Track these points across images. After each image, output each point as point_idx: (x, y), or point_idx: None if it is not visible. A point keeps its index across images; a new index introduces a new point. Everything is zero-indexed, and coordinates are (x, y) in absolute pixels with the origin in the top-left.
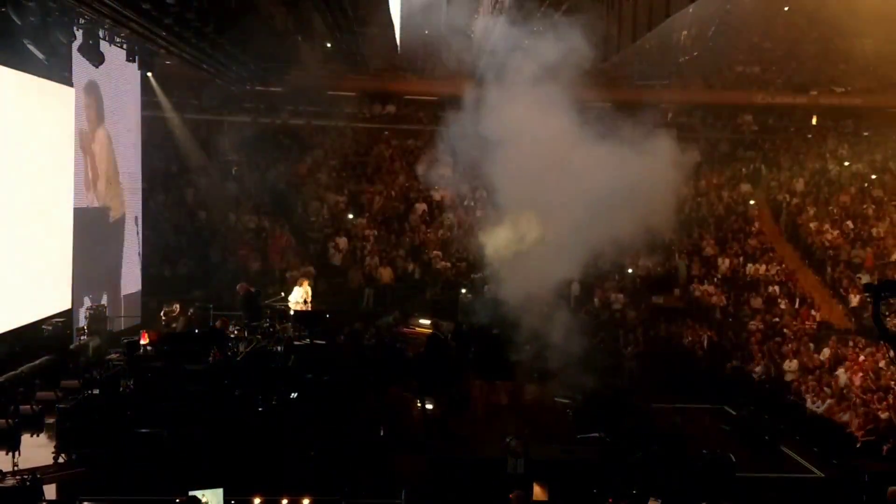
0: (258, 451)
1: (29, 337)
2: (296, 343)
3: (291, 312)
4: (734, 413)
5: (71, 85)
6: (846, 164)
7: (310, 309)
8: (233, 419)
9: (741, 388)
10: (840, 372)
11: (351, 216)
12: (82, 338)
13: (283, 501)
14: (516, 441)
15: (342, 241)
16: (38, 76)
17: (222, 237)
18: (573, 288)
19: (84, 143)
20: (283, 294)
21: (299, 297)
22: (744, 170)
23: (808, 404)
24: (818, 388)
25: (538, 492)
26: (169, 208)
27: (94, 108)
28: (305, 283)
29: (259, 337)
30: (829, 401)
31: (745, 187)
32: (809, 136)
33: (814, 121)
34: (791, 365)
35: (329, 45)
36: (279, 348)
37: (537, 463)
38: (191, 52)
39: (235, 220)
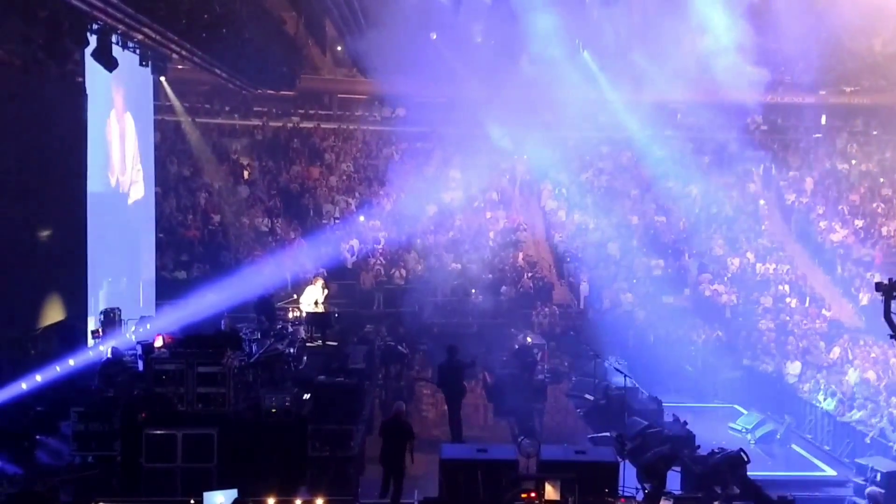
0: (272, 452)
1: (43, 340)
2: (308, 345)
3: (304, 314)
4: (745, 412)
5: (84, 90)
6: (855, 162)
7: (322, 310)
8: (246, 420)
9: (751, 387)
10: (850, 370)
11: (362, 218)
12: (97, 340)
13: (296, 502)
14: (528, 441)
15: (354, 243)
16: (53, 76)
17: (235, 240)
18: (582, 288)
19: (108, 134)
20: (294, 296)
21: (311, 297)
22: (752, 170)
23: (819, 403)
24: (827, 386)
25: (550, 491)
26: (182, 212)
27: (114, 102)
28: (318, 283)
29: (272, 339)
30: (838, 398)
31: (755, 187)
32: (818, 135)
33: (823, 120)
34: (794, 367)
35: (339, 48)
36: (292, 350)
37: (549, 463)
38: (203, 56)
39: (248, 223)
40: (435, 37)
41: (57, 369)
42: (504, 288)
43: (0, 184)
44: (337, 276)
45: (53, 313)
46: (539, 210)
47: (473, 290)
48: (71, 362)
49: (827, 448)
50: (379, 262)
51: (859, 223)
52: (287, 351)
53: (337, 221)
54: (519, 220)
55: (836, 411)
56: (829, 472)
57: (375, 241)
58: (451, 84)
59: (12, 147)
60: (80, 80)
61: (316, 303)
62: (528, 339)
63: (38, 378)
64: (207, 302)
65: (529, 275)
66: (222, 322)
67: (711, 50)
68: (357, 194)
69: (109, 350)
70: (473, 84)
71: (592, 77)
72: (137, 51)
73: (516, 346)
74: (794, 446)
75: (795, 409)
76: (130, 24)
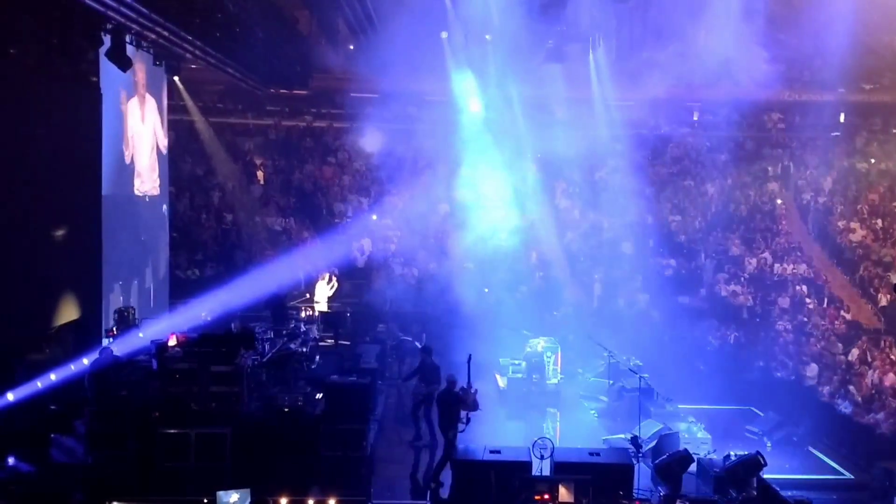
0: (284, 451)
1: (58, 339)
2: (321, 344)
3: (317, 313)
4: (762, 414)
5: (99, 90)
6: (874, 161)
7: (331, 300)
8: (259, 420)
9: (768, 389)
10: (869, 372)
11: (375, 217)
12: (111, 339)
13: (309, 502)
14: (542, 443)
15: (366, 243)
16: (67, 76)
17: (248, 239)
18: (596, 288)
19: (130, 129)
20: (308, 295)
21: (322, 294)
22: (769, 168)
23: (838, 405)
24: (846, 388)
25: (563, 493)
26: (196, 211)
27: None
28: (324, 278)
29: (285, 338)
30: (857, 401)
31: (772, 186)
32: (837, 133)
33: (842, 118)
34: (811, 369)
35: (352, 47)
36: (305, 349)
37: (563, 464)
38: (216, 55)
39: (261, 222)
40: (445, 36)
41: (72, 368)
42: (516, 287)
43: (14, 183)
44: (349, 275)
45: (68, 312)
46: (552, 209)
47: (486, 290)
48: (85, 361)
49: (844, 452)
50: (391, 261)
51: (878, 223)
52: (300, 350)
53: (349, 220)
54: (532, 219)
55: (855, 413)
56: (847, 475)
57: (388, 241)
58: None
59: (26, 146)
60: (95, 79)
61: (330, 296)
62: (541, 340)
63: (53, 377)
64: (220, 301)
65: (540, 274)
66: (232, 325)
67: (729, 47)
68: (370, 193)
69: (101, 352)
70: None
71: (606, 74)
72: (151, 50)
73: (528, 349)
74: (811, 449)
75: (813, 412)
76: (144, 24)
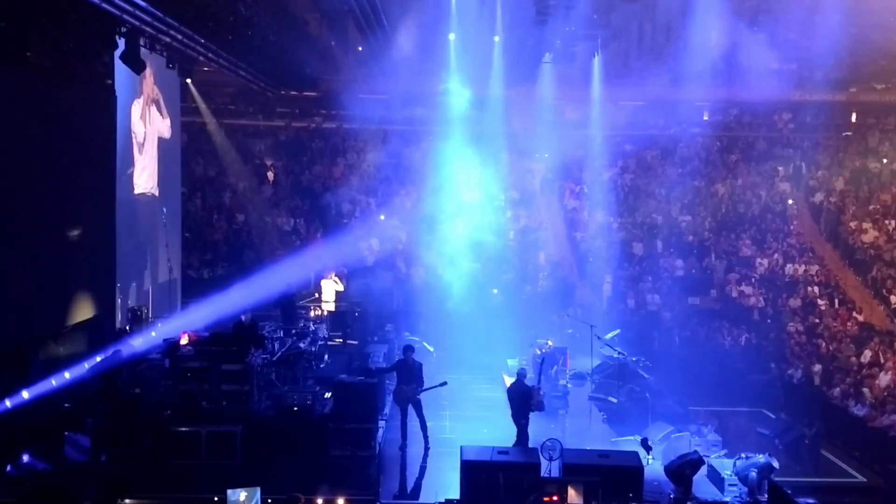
0: (294, 450)
1: (72, 337)
2: (330, 343)
3: (326, 313)
4: (773, 416)
5: (114, 92)
6: (886, 161)
7: (336, 300)
8: (269, 418)
9: (780, 391)
10: (882, 374)
11: (383, 217)
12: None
13: (318, 500)
14: (551, 444)
15: (374, 242)
16: (82, 78)
17: (258, 239)
18: (605, 288)
19: (135, 129)
20: (316, 295)
21: (330, 292)
22: (780, 168)
23: (850, 407)
24: (858, 390)
25: (572, 495)
26: (207, 211)
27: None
28: (332, 277)
29: (294, 337)
30: (870, 403)
31: (784, 186)
32: (849, 133)
33: (853, 118)
34: (816, 369)
35: (361, 49)
36: (314, 348)
37: (572, 466)
38: (228, 58)
39: (271, 222)
40: (453, 37)
41: (85, 366)
42: (525, 288)
43: (31, 184)
44: (357, 274)
45: (82, 311)
46: (561, 209)
47: (495, 290)
48: (99, 359)
49: (857, 454)
50: (399, 260)
51: (891, 223)
52: (309, 349)
53: (358, 220)
54: (540, 219)
55: (868, 416)
56: (860, 478)
57: (396, 241)
58: (469, 83)
59: (42, 147)
60: (110, 81)
61: (336, 294)
62: (549, 342)
63: (67, 375)
64: (231, 301)
65: (544, 274)
66: (242, 317)
67: (739, 46)
68: (378, 193)
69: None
70: (493, 83)
71: (615, 74)
72: (164, 53)
73: (537, 350)
74: (823, 451)
75: (825, 414)
76: (158, 27)
